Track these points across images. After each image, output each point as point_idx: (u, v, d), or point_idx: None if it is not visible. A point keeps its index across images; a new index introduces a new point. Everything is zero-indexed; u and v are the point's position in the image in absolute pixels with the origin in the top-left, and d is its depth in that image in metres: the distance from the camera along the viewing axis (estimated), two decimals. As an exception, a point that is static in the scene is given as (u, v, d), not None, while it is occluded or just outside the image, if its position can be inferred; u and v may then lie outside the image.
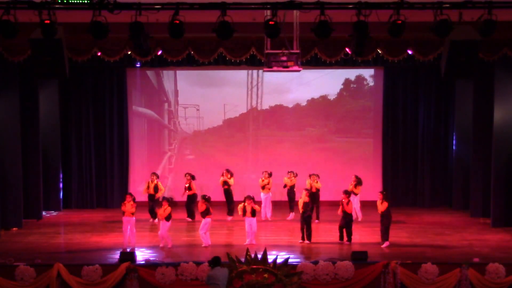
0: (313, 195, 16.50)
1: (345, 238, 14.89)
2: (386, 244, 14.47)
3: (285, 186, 17.83)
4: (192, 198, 17.60)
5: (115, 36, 12.37)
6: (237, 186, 18.40)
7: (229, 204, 17.81)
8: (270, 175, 17.73)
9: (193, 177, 17.62)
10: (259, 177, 18.00)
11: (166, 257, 13.53)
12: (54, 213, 18.76)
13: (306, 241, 14.88)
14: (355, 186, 17.10)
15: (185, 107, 20.19)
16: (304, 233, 14.95)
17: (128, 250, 13.91)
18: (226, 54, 15.69)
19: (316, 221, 16.97)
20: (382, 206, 14.58)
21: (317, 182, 17.14)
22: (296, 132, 20.31)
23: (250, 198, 14.86)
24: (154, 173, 17.73)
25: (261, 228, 16.26)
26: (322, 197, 17.56)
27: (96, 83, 19.66)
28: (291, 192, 17.76)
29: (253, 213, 14.78)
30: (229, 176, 17.80)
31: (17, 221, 16.57)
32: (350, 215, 14.95)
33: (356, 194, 17.10)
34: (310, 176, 17.23)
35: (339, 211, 14.93)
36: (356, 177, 17.26)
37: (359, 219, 17.16)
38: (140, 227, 16.12)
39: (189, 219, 17.51)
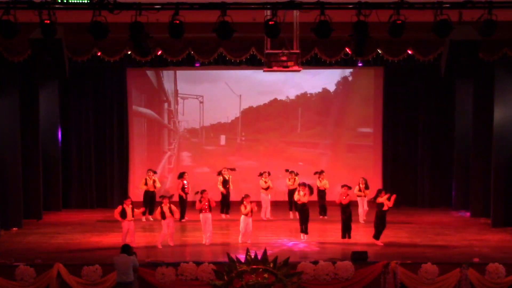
0: (322, 193, 17.30)
1: (347, 236, 14.99)
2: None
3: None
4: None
5: (115, 36, 12.34)
6: (235, 186, 18.43)
7: (228, 203, 17.88)
8: (268, 174, 17.78)
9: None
10: (257, 177, 17.99)
11: (166, 257, 13.53)
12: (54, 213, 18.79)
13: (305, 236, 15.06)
14: (363, 188, 17.12)
15: (184, 98, 20.18)
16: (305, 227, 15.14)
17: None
18: (226, 54, 15.70)
19: (321, 216, 17.40)
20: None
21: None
22: (296, 132, 20.32)
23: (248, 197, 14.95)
24: (150, 170, 17.88)
25: (261, 228, 16.28)
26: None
27: (96, 83, 19.67)
28: (292, 192, 17.60)
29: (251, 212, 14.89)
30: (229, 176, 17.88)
31: (17, 221, 16.58)
32: (348, 210, 14.98)
33: (363, 197, 17.14)
34: (319, 174, 17.50)
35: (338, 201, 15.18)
36: (363, 179, 17.28)
37: (361, 221, 17.17)
38: (139, 227, 16.15)
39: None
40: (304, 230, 15.20)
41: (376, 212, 14.81)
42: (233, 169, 18.11)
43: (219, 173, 17.90)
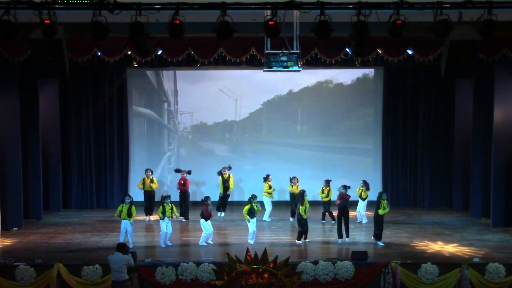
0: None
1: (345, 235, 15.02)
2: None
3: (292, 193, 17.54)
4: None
5: (115, 36, 12.35)
6: (235, 187, 18.41)
7: (226, 202, 18.00)
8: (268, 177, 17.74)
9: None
10: (257, 178, 17.96)
11: (166, 257, 13.53)
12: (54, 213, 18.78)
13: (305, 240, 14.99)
14: (363, 190, 17.07)
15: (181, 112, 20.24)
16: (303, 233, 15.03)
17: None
18: (226, 54, 15.71)
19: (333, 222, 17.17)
20: None
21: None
22: (295, 132, 20.31)
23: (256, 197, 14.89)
24: (148, 169, 17.92)
25: (261, 228, 16.27)
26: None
27: (96, 83, 19.66)
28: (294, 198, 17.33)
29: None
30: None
31: (17, 221, 16.57)
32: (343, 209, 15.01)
33: (363, 199, 17.10)
34: (327, 182, 17.27)
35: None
36: (364, 181, 17.22)
37: (363, 222, 17.17)
38: (139, 227, 16.13)
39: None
40: (300, 238, 14.95)
41: (377, 216, 14.72)
42: (229, 168, 18.01)
43: (219, 173, 17.88)
